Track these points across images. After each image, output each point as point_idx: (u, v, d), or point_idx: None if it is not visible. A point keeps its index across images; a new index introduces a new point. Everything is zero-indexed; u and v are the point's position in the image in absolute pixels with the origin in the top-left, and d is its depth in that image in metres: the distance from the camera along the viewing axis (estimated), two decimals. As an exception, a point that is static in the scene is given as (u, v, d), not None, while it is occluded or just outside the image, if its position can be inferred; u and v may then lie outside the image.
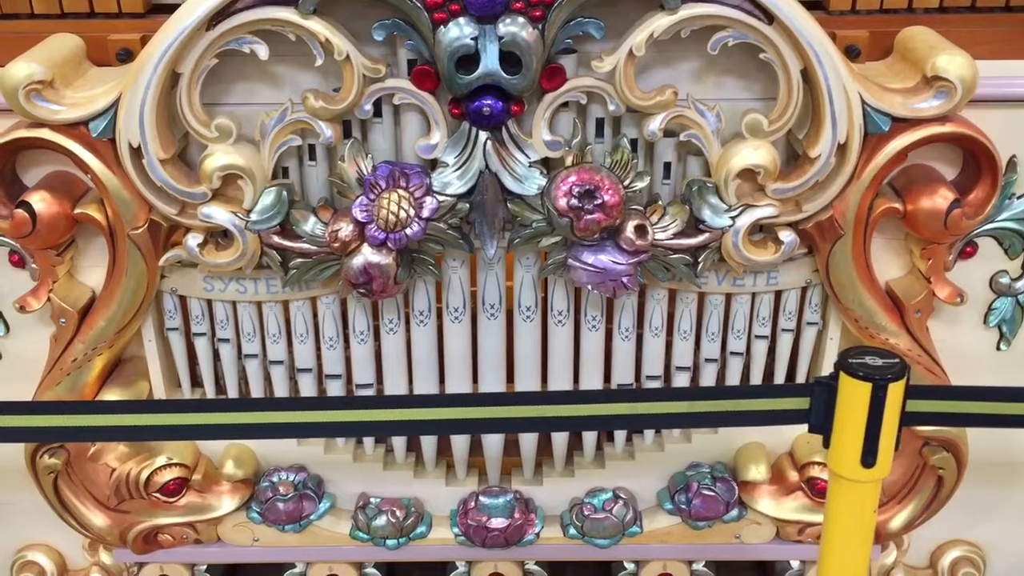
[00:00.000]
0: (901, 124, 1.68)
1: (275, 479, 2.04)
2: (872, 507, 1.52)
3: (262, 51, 1.64)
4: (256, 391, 1.98)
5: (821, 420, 1.47)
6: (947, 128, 1.68)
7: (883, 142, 1.70)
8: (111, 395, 1.91)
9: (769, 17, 1.60)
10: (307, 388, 1.98)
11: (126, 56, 1.78)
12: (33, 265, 1.86)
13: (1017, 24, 1.78)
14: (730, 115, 1.71)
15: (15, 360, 1.97)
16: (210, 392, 2.00)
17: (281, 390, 1.98)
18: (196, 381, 2.01)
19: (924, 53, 1.66)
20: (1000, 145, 1.72)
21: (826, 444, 1.49)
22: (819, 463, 1.99)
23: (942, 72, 1.62)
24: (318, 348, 1.95)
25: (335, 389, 1.98)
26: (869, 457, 1.43)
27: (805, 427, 1.57)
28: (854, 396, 1.42)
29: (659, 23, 1.61)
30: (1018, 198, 1.84)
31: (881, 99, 1.66)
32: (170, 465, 1.99)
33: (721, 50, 1.65)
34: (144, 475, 1.99)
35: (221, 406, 1.77)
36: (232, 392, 1.99)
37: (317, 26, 1.60)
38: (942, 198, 1.74)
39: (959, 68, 1.61)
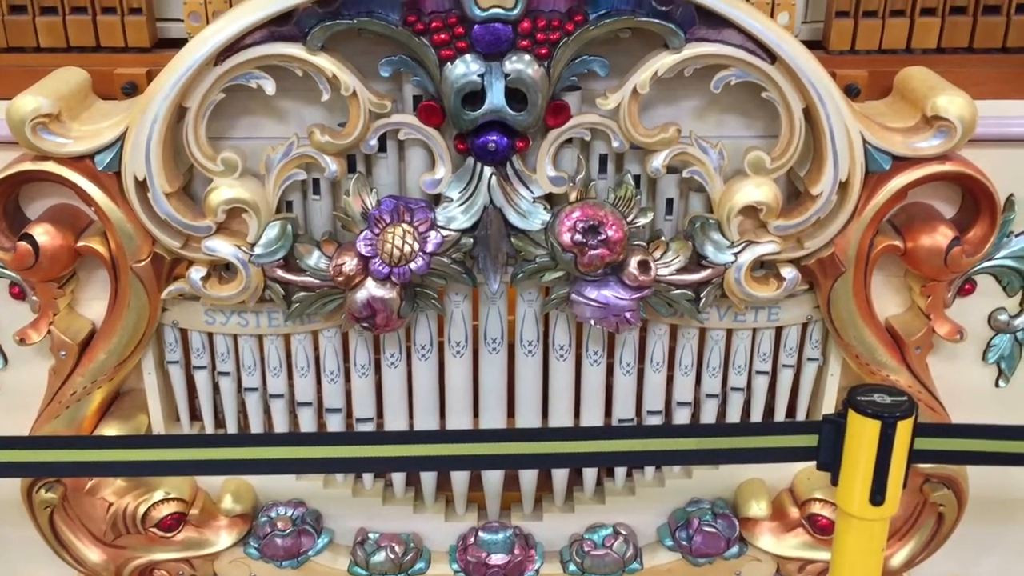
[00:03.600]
0: (901, 163, 1.70)
1: (273, 514, 2.02)
2: (880, 544, 1.52)
3: (269, 86, 1.65)
4: (255, 425, 1.97)
5: (830, 457, 1.48)
6: (947, 167, 1.70)
7: (884, 180, 1.72)
8: (109, 429, 1.89)
9: (771, 57, 1.62)
10: (307, 422, 1.97)
11: (131, 90, 1.78)
12: (34, 297, 1.85)
13: (1014, 65, 1.81)
14: (732, 152, 1.73)
15: (13, 393, 1.95)
16: (209, 426, 1.99)
17: (281, 424, 1.97)
18: (195, 415, 2.00)
19: (924, 93, 1.69)
20: (998, 183, 1.75)
21: (834, 482, 1.50)
22: (820, 500, 1.98)
23: (942, 112, 1.64)
24: (319, 382, 1.95)
25: (335, 423, 1.97)
26: (878, 495, 1.44)
27: (805, 463, 1.57)
28: (863, 434, 1.43)
29: (663, 62, 1.63)
30: (1016, 236, 1.86)
31: (882, 138, 1.68)
32: (168, 500, 1.97)
33: (723, 88, 1.67)
34: (141, 510, 1.97)
35: (220, 441, 1.76)
36: (231, 426, 1.98)
37: (324, 62, 1.62)
38: (942, 236, 1.76)
39: (959, 108, 1.64)
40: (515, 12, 1.56)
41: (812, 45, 1.73)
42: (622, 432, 1.60)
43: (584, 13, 1.58)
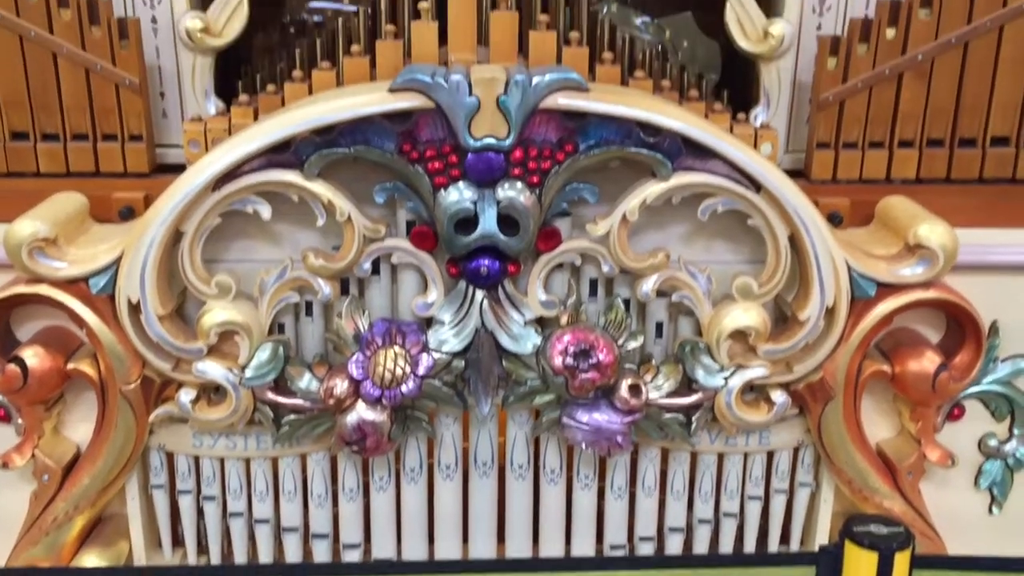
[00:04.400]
0: (886, 289, 1.73)
1: (254, 645, 1.96)
2: None
3: (265, 211, 1.68)
4: (239, 551, 1.93)
5: (828, 590, 1.45)
6: (931, 294, 1.74)
7: (869, 306, 1.74)
8: (90, 556, 1.84)
9: (756, 186, 1.67)
10: (292, 548, 1.92)
11: (129, 214, 1.81)
12: (19, 420, 1.82)
13: (991, 195, 1.87)
14: (720, 277, 1.76)
15: (-8, 518, 1.91)
16: (191, 552, 1.94)
17: (265, 551, 1.92)
18: (178, 540, 1.95)
19: (905, 222, 1.73)
20: (981, 309, 1.78)
21: (834, 615, 1.47)
22: (817, 630, 1.94)
23: (924, 241, 1.68)
24: (305, 506, 1.91)
25: (321, 549, 1.92)
26: (878, 630, 1.41)
27: (803, 592, 1.54)
28: (860, 565, 1.41)
29: (651, 190, 1.67)
30: (1002, 361, 1.88)
31: (866, 265, 1.72)
32: (146, 630, 1.91)
33: (710, 215, 1.71)
34: (118, 641, 1.90)
35: (202, 574, 1.71)
36: (214, 553, 1.93)
37: (320, 188, 1.65)
38: (929, 361, 1.78)
39: (940, 237, 1.68)
40: (508, 142, 1.61)
41: (794, 174, 1.78)
42: (616, 563, 1.57)
43: (575, 143, 1.63)
